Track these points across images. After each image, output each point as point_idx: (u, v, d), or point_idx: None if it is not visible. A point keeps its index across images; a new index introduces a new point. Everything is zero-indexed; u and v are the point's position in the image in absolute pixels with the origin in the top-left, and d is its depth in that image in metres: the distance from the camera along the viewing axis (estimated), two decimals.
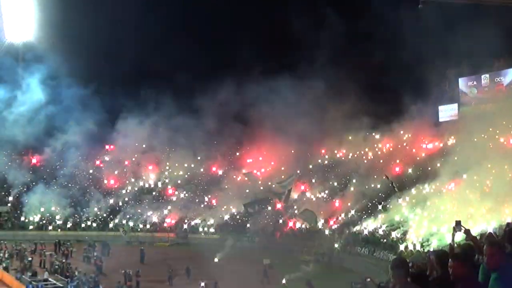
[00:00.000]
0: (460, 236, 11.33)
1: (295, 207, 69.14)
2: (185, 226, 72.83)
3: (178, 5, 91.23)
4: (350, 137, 77.97)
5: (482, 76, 71.59)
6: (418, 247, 45.61)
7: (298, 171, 75.17)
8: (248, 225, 68.29)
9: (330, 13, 74.39)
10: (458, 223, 11.52)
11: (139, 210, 76.58)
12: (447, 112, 74.37)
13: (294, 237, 62.36)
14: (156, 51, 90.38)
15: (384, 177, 61.20)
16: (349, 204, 63.05)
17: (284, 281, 43.76)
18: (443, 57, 69.96)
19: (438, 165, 61.89)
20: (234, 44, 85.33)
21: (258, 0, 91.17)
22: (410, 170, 65.65)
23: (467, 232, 10.83)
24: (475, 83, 72.77)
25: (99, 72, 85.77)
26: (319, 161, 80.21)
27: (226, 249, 57.06)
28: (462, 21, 60.32)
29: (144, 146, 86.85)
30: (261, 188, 75.64)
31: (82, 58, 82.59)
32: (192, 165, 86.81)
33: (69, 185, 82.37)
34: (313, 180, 74.49)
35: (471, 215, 43.24)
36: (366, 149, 77.43)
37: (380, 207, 59.70)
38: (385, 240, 51.55)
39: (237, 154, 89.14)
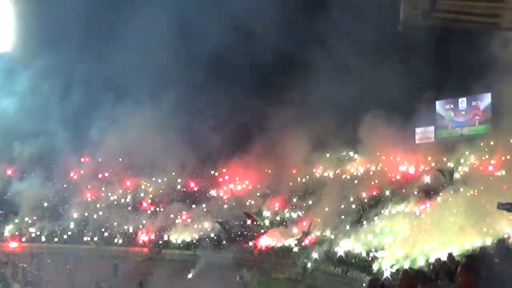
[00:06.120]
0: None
1: (267, 224, 69.25)
2: (159, 241, 72.51)
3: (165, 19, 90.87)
4: (327, 155, 78.18)
5: (459, 100, 72.09)
6: (390, 268, 45.60)
7: (272, 189, 75.59)
8: (224, 242, 68.09)
9: (308, 29, 74.79)
10: (450, 255, 11.81)
11: (114, 223, 76.28)
12: (423, 134, 74.73)
13: (268, 255, 62.22)
14: (135, 65, 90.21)
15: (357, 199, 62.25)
16: (323, 223, 62.94)
17: None
18: (421, 79, 70.66)
19: (413, 186, 62.36)
20: (219, 64, 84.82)
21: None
22: (385, 191, 65.81)
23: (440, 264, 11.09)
24: (452, 106, 73.24)
25: (78, 80, 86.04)
26: (297, 180, 79.86)
27: (200, 265, 56.91)
28: (441, 43, 60.98)
29: (120, 159, 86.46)
30: (235, 205, 75.94)
31: (59, 70, 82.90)
32: (166, 179, 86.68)
33: (43, 196, 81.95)
34: (288, 198, 74.55)
35: (444, 238, 43.42)
36: (342, 169, 77.59)
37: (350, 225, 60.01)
38: (357, 260, 51.52)
39: (211, 171, 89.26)
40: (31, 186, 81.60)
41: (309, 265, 55.87)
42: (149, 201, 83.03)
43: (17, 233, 75.67)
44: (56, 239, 74.92)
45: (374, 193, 66.25)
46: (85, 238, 74.24)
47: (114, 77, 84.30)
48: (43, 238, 75.01)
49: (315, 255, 56.26)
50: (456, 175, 60.11)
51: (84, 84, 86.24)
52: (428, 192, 58.28)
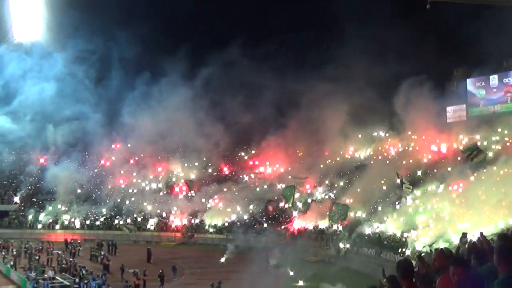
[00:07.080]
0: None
1: (299, 206, 68.98)
2: (192, 225, 72.82)
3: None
4: (360, 135, 77.54)
5: (491, 77, 71.00)
6: (424, 249, 45.26)
7: (305, 173, 75.21)
8: (260, 225, 68.12)
9: (341, 10, 74.17)
10: (464, 235, 11.68)
11: (149, 208, 76.76)
12: (455, 113, 73.80)
13: (301, 238, 62.12)
14: (164, 48, 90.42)
15: (396, 176, 61.20)
16: (356, 204, 62.50)
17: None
18: (452, 57, 69.87)
19: (446, 165, 61.67)
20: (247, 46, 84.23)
21: None
22: (417, 171, 65.18)
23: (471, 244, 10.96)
24: (483, 84, 72.19)
25: (107, 67, 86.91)
26: (328, 162, 79.18)
27: (232, 249, 57.09)
28: (471, 21, 60.21)
29: (152, 146, 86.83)
30: (267, 189, 76.01)
31: (88, 57, 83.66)
32: (197, 164, 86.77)
33: (76, 183, 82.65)
34: (319, 180, 74.17)
35: (477, 217, 43.00)
36: (374, 150, 76.88)
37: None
38: (391, 241, 51.15)
39: (242, 154, 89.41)
40: (65, 172, 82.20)
41: (342, 247, 55.76)
42: (181, 185, 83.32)
43: (51, 220, 76.56)
44: (90, 226, 75.66)
45: (406, 172, 65.65)
46: (118, 224, 74.86)
47: (144, 61, 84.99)
48: (77, 225, 75.77)
49: (348, 237, 56.17)
50: (489, 154, 59.26)
51: (114, 70, 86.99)
52: (461, 171, 57.52)
